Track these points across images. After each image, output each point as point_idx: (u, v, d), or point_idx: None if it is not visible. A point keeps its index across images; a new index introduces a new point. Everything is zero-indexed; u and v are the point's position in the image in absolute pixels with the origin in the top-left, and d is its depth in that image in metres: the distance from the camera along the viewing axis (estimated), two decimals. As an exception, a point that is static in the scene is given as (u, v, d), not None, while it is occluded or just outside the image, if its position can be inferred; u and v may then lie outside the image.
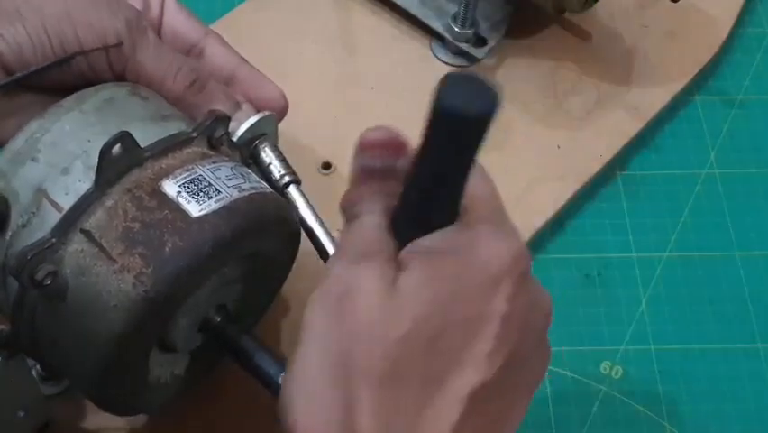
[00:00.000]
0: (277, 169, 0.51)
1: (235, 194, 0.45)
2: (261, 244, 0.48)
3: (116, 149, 0.44)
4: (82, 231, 0.44)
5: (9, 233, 0.45)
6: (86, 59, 0.48)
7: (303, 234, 0.51)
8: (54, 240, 0.43)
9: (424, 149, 0.38)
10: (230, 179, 0.46)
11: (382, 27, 0.72)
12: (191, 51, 0.53)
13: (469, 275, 0.38)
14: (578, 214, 0.67)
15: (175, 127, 0.47)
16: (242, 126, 0.51)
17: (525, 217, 0.64)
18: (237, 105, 0.52)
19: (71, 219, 0.44)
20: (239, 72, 0.54)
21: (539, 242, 0.65)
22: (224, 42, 0.54)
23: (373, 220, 0.41)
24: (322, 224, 0.51)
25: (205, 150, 0.48)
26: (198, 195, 0.44)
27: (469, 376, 0.38)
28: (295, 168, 0.53)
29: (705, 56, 0.73)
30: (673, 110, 0.72)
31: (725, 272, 0.65)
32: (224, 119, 0.48)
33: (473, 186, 0.40)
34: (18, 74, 0.47)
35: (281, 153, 0.52)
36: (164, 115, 0.48)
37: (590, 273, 0.65)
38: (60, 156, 0.45)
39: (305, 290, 0.59)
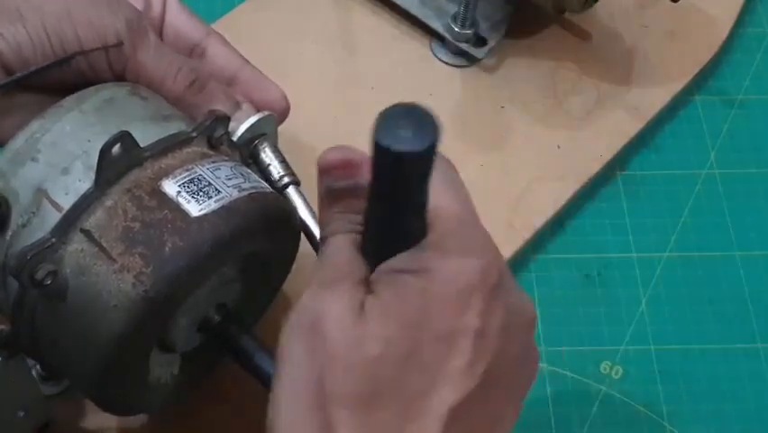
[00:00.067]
0: (276, 170, 0.51)
1: (235, 194, 0.45)
2: (261, 243, 0.48)
3: (116, 149, 0.44)
4: (82, 231, 0.44)
5: (9, 233, 0.45)
6: (86, 58, 0.48)
7: (301, 236, 0.51)
8: (54, 240, 0.43)
9: (372, 181, 0.38)
10: (230, 179, 0.46)
11: (382, 27, 0.72)
12: (193, 51, 0.53)
13: (436, 293, 0.38)
14: (578, 214, 0.67)
15: (175, 127, 0.47)
16: (241, 126, 0.51)
17: (525, 217, 0.64)
18: (237, 105, 0.52)
19: (71, 219, 0.44)
20: (241, 73, 0.54)
21: (539, 242, 0.65)
22: (226, 43, 0.54)
23: (340, 244, 0.41)
24: None
25: (205, 149, 0.48)
26: (198, 195, 0.44)
27: (446, 393, 0.37)
28: (295, 168, 0.53)
29: (705, 56, 0.73)
30: (673, 110, 0.72)
31: (725, 272, 0.65)
32: (224, 119, 0.48)
33: (439, 199, 0.40)
34: (18, 74, 0.47)
35: (281, 154, 0.52)
36: (164, 115, 0.48)
37: (590, 273, 0.65)
38: (60, 156, 0.45)
39: (305, 290, 0.59)
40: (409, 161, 0.35)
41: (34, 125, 0.46)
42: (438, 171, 0.41)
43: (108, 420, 0.53)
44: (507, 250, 0.62)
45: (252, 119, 0.51)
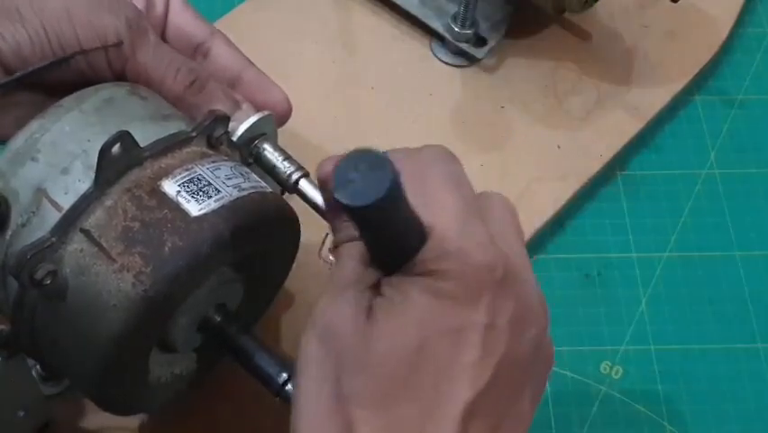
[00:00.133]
0: (284, 167, 0.51)
1: (235, 193, 0.45)
2: (261, 243, 0.48)
3: (116, 148, 0.44)
4: (82, 230, 0.44)
5: (9, 232, 0.45)
6: (86, 58, 0.48)
7: (302, 235, 0.51)
8: (54, 239, 0.43)
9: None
10: (229, 179, 0.46)
11: (382, 27, 0.72)
12: (197, 50, 0.53)
13: (443, 291, 0.38)
14: (578, 214, 0.67)
15: (174, 127, 0.47)
16: (241, 126, 0.50)
17: (526, 217, 0.63)
18: (237, 105, 0.52)
19: (71, 219, 0.44)
20: (245, 74, 0.54)
21: (539, 242, 0.65)
22: (229, 43, 0.54)
23: (350, 253, 0.41)
24: None
25: (205, 149, 0.48)
26: (198, 194, 0.44)
27: (461, 388, 0.38)
28: (295, 168, 0.53)
29: (705, 56, 0.73)
30: (673, 110, 0.72)
31: (725, 272, 0.65)
32: (224, 119, 0.48)
33: (439, 198, 0.40)
34: (18, 73, 0.47)
35: (284, 151, 0.52)
36: (164, 115, 0.48)
37: (590, 273, 0.65)
38: (60, 156, 0.45)
39: (305, 290, 0.59)
40: (370, 211, 0.35)
41: (34, 125, 0.46)
42: (436, 167, 0.41)
43: (108, 420, 0.53)
44: (507, 250, 0.62)
45: (252, 119, 0.51)
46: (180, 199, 0.44)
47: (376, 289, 0.40)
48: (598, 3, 0.70)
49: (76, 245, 0.44)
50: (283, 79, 0.56)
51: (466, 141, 0.68)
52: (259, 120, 0.51)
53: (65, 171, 0.45)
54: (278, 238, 0.49)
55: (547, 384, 0.59)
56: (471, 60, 0.71)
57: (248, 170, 0.48)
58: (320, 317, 0.40)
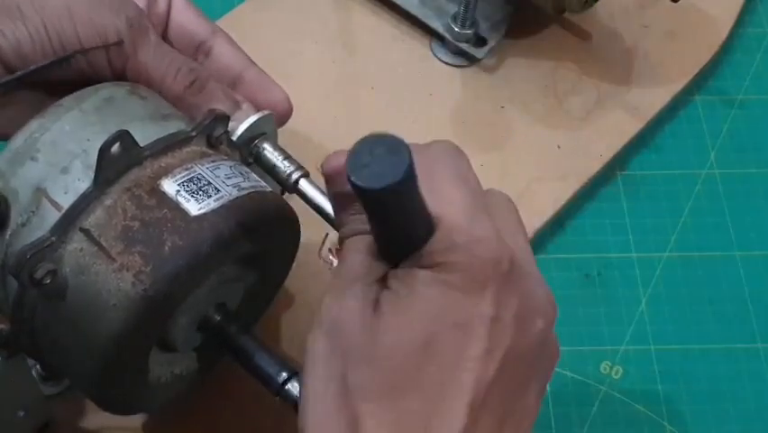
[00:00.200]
0: (284, 167, 0.51)
1: (234, 193, 0.45)
2: (261, 242, 0.48)
3: (115, 148, 0.44)
4: (81, 230, 0.44)
5: (9, 232, 0.45)
6: (86, 57, 0.48)
7: (302, 235, 0.51)
8: (53, 239, 0.43)
9: (362, 206, 0.38)
10: (229, 178, 0.46)
11: (382, 27, 0.72)
12: (199, 49, 0.54)
13: (449, 284, 0.38)
14: (578, 214, 0.67)
15: (174, 126, 0.47)
16: (241, 126, 0.50)
17: (526, 217, 0.63)
18: (236, 105, 0.52)
19: (71, 218, 0.44)
20: (246, 73, 0.54)
21: (539, 242, 0.65)
22: (232, 42, 0.55)
23: (356, 246, 0.41)
24: None
25: (205, 149, 0.48)
26: (197, 194, 0.44)
27: (467, 380, 0.38)
28: (295, 167, 0.53)
29: (705, 56, 0.73)
30: (673, 110, 0.72)
31: (725, 272, 0.65)
32: (224, 118, 0.48)
33: (445, 191, 0.40)
34: (19, 72, 0.47)
35: (284, 151, 0.52)
36: (163, 115, 0.48)
37: (590, 273, 0.65)
38: (60, 155, 0.45)
39: (305, 290, 0.59)
40: (385, 195, 0.35)
41: (34, 125, 0.46)
42: (445, 162, 0.41)
43: (108, 420, 0.53)
44: (507, 250, 0.62)
45: (252, 118, 0.51)
46: (180, 199, 0.44)
47: (383, 281, 0.40)
48: (598, 3, 0.70)
49: (75, 245, 0.44)
50: (283, 79, 0.56)
51: (466, 141, 0.67)
52: (259, 120, 0.51)
53: (65, 171, 0.45)
54: (278, 238, 0.49)
55: (548, 385, 0.60)
56: (471, 60, 0.71)
57: (248, 170, 0.48)
58: (327, 313, 0.40)
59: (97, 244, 0.43)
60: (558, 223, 0.66)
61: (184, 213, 0.44)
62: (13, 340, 0.46)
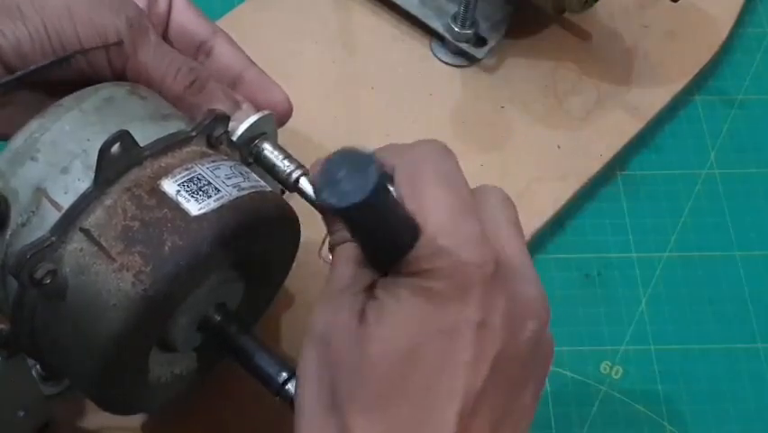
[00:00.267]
0: (284, 166, 0.51)
1: (235, 193, 0.45)
2: (261, 242, 0.48)
3: (115, 148, 0.44)
4: (81, 230, 0.44)
5: (9, 232, 0.45)
6: (86, 57, 0.48)
7: (302, 234, 0.51)
8: (53, 239, 0.43)
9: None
10: (229, 178, 0.46)
11: (382, 27, 0.72)
12: (200, 49, 0.54)
13: (433, 290, 0.38)
14: (578, 214, 0.67)
15: (174, 126, 0.47)
16: (241, 126, 0.50)
17: (526, 217, 0.63)
18: (236, 105, 0.52)
19: (71, 218, 0.44)
20: (246, 74, 0.54)
21: (539, 242, 0.65)
22: (232, 42, 0.55)
23: (345, 255, 0.41)
24: None
25: (205, 149, 0.48)
26: (197, 194, 0.44)
27: (457, 387, 0.38)
28: (295, 167, 0.53)
29: (705, 56, 0.73)
30: (673, 110, 0.72)
31: (725, 272, 0.65)
32: (224, 118, 0.48)
33: (430, 195, 0.40)
34: (18, 72, 0.47)
35: (284, 150, 0.52)
36: (163, 115, 0.48)
37: (590, 273, 0.65)
38: (60, 155, 0.45)
39: (305, 290, 0.59)
40: (355, 212, 0.34)
41: (33, 125, 0.46)
42: (430, 164, 0.41)
43: (108, 420, 0.53)
44: (507, 250, 0.62)
45: (252, 118, 0.51)
46: (180, 199, 0.44)
47: (371, 290, 0.40)
48: (598, 3, 0.70)
49: (75, 245, 0.44)
50: (283, 79, 0.56)
51: (466, 141, 0.68)
52: (259, 120, 0.51)
53: (65, 171, 0.45)
54: (278, 238, 0.49)
55: (547, 384, 0.60)
56: (471, 60, 0.71)
57: (248, 170, 0.48)
58: (315, 325, 0.40)
59: (97, 244, 0.43)
60: (558, 223, 0.66)
61: (184, 213, 0.44)
62: (13, 340, 0.46)
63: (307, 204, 0.50)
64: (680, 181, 0.69)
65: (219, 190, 0.45)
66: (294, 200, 0.50)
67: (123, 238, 0.43)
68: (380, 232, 0.38)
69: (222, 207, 0.44)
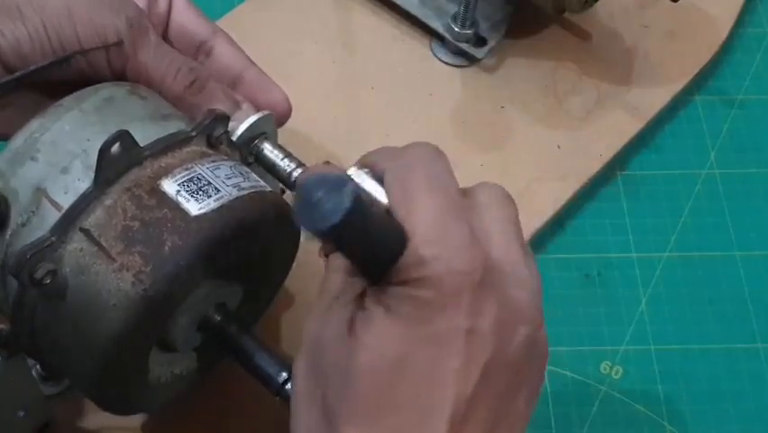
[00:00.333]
0: (285, 164, 0.51)
1: (235, 193, 0.45)
2: (261, 242, 0.48)
3: (115, 148, 0.44)
4: (81, 230, 0.44)
5: (9, 232, 0.45)
6: (86, 57, 0.48)
7: (301, 236, 0.51)
8: (53, 239, 0.43)
9: None
10: (229, 178, 0.46)
11: (382, 27, 0.72)
12: (200, 49, 0.54)
13: (421, 299, 0.38)
14: (578, 214, 0.67)
15: (174, 126, 0.47)
16: (241, 126, 0.50)
17: (526, 217, 0.64)
18: (236, 105, 0.52)
19: (71, 218, 0.44)
20: (246, 74, 0.54)
21: (539, 242, 0.65)
22: (232, 42, 0.55)
23: (336, 264, 0.41)
24: None
25: (205, 149, 0.48)
26: (197, 194, 0.44)
27: (447, 395, 0.37)
28: (295, 167, 0.53)
29: (705, 56, 0.73)
30: (673, 110, 0.72)
31: (725, 272, 0.65)
32: (224, 118, 0.48)
33: (417, 201, 0.39)
34: (18, 72, 0.47)
35: (284, 149, 0.52)
36: (163, 115, 0.48)
37: (590, 273, 0.65)
38: (60, 155, 0.45)
39: (305, 290, 0.59)
40: (332, 233, 0.34)
41: (33, 125, 0.46)
42: (419, 168, 0.40)
43: (108, 420, 0.53)
44: (507, 250, 0.62)
45: (252, 118, 0.51)
46: (180, 199, 0.44)
47: (361, 299, 0.39)
48: (598, 3, 0.70)
49: (75, 245, 0.44)
50: (283, 79, 0.56)
51: (466, 141, 0.68)
52: (259, 120, 0.51)
53: (65, 171, 0.45)
54: (278, 237, 0.49)
55: (547, 384, 0.60)
56: (471, 60, 0.71)
57: (248, 170, 0.48)
58: (306, 334, 0.40)
59: (97, 244, 0.43)
60: (558, 223, 0.66)
61: (184, 213, 0.44)
62: (13, 340, 0.46)
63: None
64: (680, 181, 0.69)
65: (219, 190, 0.45)
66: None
67: (123, 238, 0.43)
68: (363, 247, 0.37)
69: (222, 206, 0.44)
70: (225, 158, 0.48)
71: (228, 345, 0.49)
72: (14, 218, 0.45)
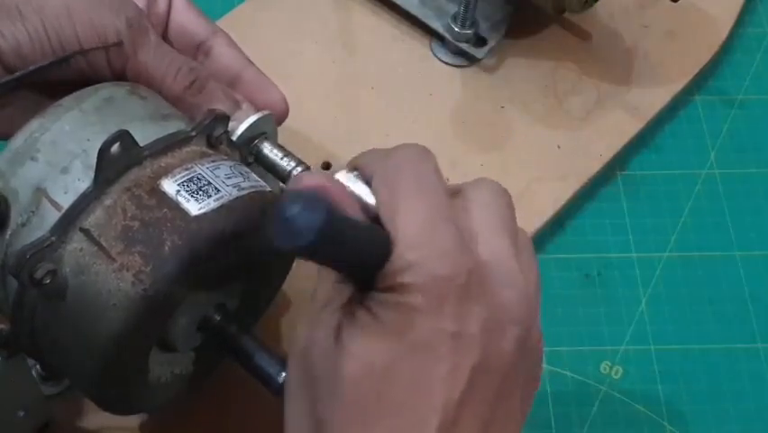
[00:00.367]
0: (285, 163, 0.51)
1: (234, 193, 0.45)
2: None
3: (115, 148, 0.44)
4: (81, 230, 0.44)
5: (9, 232, 0.45)
6: (86, 57, 0.48)
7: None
8: (53, 239, 0.43)
9: None
10: (229, 178, 0.46)
11: (382, 27, 0.72)
12: (199, 49, 0.54)
13: (406, 305, 0.37)
14: (578, 214, 0.67)
15: (174, 126, 0.47)
16: (241, 126, 0.51)
17: (526, 217, 0.64)
18: (236, 105, 0.52)
19: (70, 218, 0.44)
20: (244, 73, 0.54)
21: (539, 242, 0.65)
22: (231, 42, 0.55)
23: (325, 272, 0.41)
24: None
25: (205, 149, 0.48)
26: (197, 193, 0.44)
27: (433, 401, 0.37)
28: (294, 167, 0.53)
29: (705, 56, 0.73)
30: (673, 110, 0.72)
31: (725, 272, 0.65)
32: (223, 118, 0.48)
33: (400, 204, 0.39)
34: (18, 72, 0.47)
35: (283, 148, 0.52)
36: (163, 115, 0.48)
37: (590, 273, 0.65)
38: (60, 155, 0.45)
39: (305, 290, 0.59)
40: (310, 249, 0.34)
41: (33, 125, 0.46)
42: (406, 171, 0.40)
43: (108, 420, 0.53)
44: (507, 250, 0.62)
45: (252, 118, 0.51)
46: (180, 198, 0.44)
47: (349, 306, 0.39)
48: (598, 3, 0.70)
49: (75, 245, 0.44)
50: (283, 79, 0.56)
51: (466, 141, 0.68)
52: (258, 119, 0.51)
53: (65, 171, 0.45)
54: (277, 238, 0.49)
55: (547, 384, 0.60)
56: (471, 60, 0.71)
57: (248, 170, 0.48)
58: (296, 341, 0.40)
59: (97, 243, 0.43)
60: (558, 223, 0.66)
61: (184, 213, 0.44)
62: (13, 340, 0.46)
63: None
64: (680, 181, 0.69)
65: (219, 190, 0.45)
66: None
67: (122, 238, 0.43)
68: (343, 258, 0.37)
69: (222, 206, 0.44)
70: (225, 158, 0.48)
71: (228, 345, 0.49)
72: (14, 218, 0.45)
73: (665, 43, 0.73)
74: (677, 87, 0.71)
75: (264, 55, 0.58)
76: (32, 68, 0.47)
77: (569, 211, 0.67)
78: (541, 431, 0.59)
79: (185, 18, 0.54)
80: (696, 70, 0.72)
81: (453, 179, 0.49)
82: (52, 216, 0.44)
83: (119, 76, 0.50)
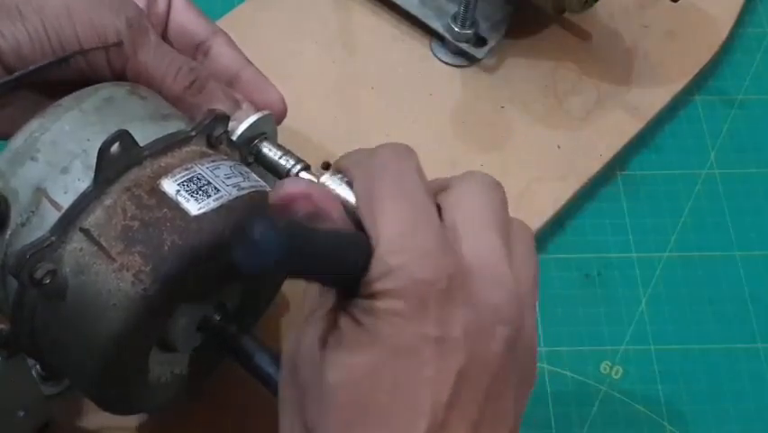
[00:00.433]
0: (285, 161, 0.51)
1: (234, 192, 0.45)
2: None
3: (115, 148, 0.44)
4: (81, 230, 0.44)
5: (9, 232, 0.45)
6: (86, 57, 0.48)
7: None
8: (53, 239, 0.43)
9: None
10: (229, 178, 0.46)
11: (382, 27, 0.72)
12: (198, 49, 0.54)
13: (387, 311, 0.37)
14: (578, 214, 0.67)
15: (174, 126, 0.47)
16: (241, 125, 0.51)
17: (526, 217, 0.64)
18: (236, 105, 0.52)
19: (70, 218, 0.44)
20: (243, 73, 0.54)
21: (539, 242, 0.65)
22: (230, 42, 0.55)
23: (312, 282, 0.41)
24: None
25: (204, 149, 0.48)
26: (197, 193, 0.44)
27: (419, 406, 0.37)
28: (294, 167, 0.53)
29: (705, 56, 0.73)
30: (673, 110, 0.72)
31: (725, 272, 0.65)
32: (223, 118, 0.48)
33: (383, 211, 0.39)
34: (18, 72, 0.47)
35: (283, 147, 0.52)
36: (163, 115, 0.48)
37: (590, 273, 0.65)
38: (60, 155, 0.45)
39: (304, 290, 0.59)
40: (277, 268, 0.34)
41: (33, 125, 0.46)
42: (386, 174, 0.40)
43: (108, 420, 0.53)
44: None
45: (252, 118, 0.51)
46: (180, 198, 0.44)
47: (334, 314, 0.39)
48: (598, 3, 0.70)
49: (75, 245, 0.44)
50: (283, 79, 0.56)
51: (466, 141, 0.68)
52: (258, 119, 0.51)
53: (64, 171, 0.45)
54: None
55: (547, 384, 0.60)
56: (471, 60, 0.71)
57: (247, 170, 0.48)
58: (286, 348, 0.40)
59: (97, 243, 0.43)
60: (558, 223, 0.66)
61: (184, 213, 0.44)
62: (13, 340, 0.46)
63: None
64: (680, 181, 0.69)
65: (219, 190, 0.45)
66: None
67: (122, 238, 0.43)
68: (317, 271, 0.37)
69: (222, 206, 0.44)
70: (225, 158, 0.48)
71: (228, 345, 0.49)
72: (14, 218, 0.45)
73: (665, 43, 0.73)
74: (677, 87, 0.71)
75: (264, 55, 0.58)
76: (31, 68, 0.47)
77: (569, 211, 0.67)
78: (541, 431, 0.59)
79: (184, 18, 0.54)
80: (696, 70, 0.72)
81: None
82: (52, 216, 0.44)
83: (119, 76, 0.50)
